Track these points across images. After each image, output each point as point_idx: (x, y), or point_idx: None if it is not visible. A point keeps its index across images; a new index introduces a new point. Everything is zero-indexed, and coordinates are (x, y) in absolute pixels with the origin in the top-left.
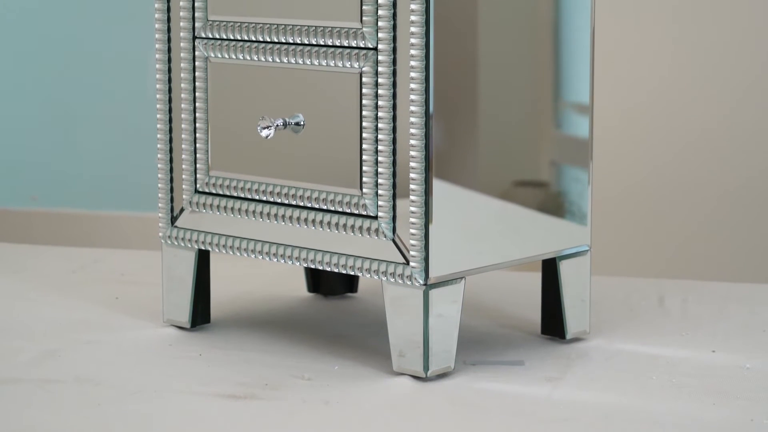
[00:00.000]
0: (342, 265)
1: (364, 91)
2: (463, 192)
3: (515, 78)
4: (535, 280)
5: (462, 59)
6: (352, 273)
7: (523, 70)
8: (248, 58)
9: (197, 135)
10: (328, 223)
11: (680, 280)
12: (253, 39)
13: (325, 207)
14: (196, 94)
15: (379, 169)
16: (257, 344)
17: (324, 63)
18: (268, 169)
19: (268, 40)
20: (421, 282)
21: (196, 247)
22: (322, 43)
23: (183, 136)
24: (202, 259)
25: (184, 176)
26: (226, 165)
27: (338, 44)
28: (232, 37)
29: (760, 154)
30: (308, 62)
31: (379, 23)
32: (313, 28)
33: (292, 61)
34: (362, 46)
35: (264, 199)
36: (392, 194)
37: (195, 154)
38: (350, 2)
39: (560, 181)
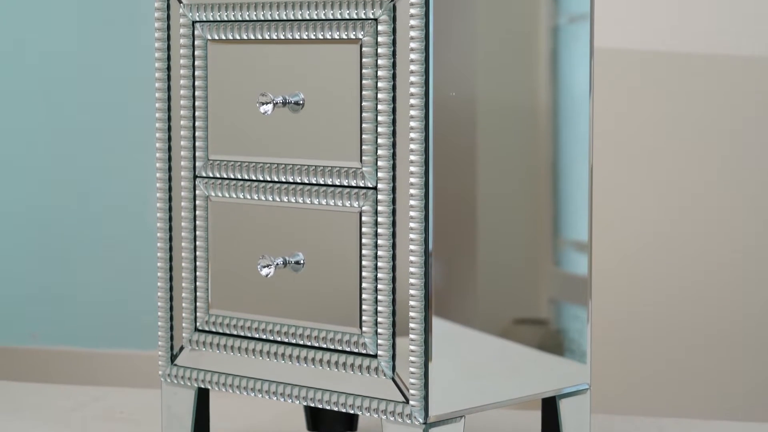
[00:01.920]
0: (341, 404)
1: (363, 230)
2: (463, 330)
3: (514, 215)
4: (535, 418)
5: (461, 197)
6: (352, 411)
7: (522, 208)
8: (248, 197)
9: (197, 273)
10: (328, 362)
11: (681, 418)
12: (254, 178)
13: (324, 345)
14: (197, 232)
15: (379, 308)
16: None
17: (324, 202)
18: (268, 308)
19: (268, 179)
20: (421, 421)
21: (196, 385)
22: (321, 182)
23: (183, 274)
24: (202, 397)
25: (184, 314)
26: (226, 303)
27: (338, 183)
28: (232, 176)
29: (761, 292)
30: (308, 201)
31: (379, 162)
32: (313, 167)
33: (292, 200)
34: (362, 185)
35: (264, 337)
36: (392, 332)
37: (195, 292)
38: (350, 142)
39: (559, 318)
